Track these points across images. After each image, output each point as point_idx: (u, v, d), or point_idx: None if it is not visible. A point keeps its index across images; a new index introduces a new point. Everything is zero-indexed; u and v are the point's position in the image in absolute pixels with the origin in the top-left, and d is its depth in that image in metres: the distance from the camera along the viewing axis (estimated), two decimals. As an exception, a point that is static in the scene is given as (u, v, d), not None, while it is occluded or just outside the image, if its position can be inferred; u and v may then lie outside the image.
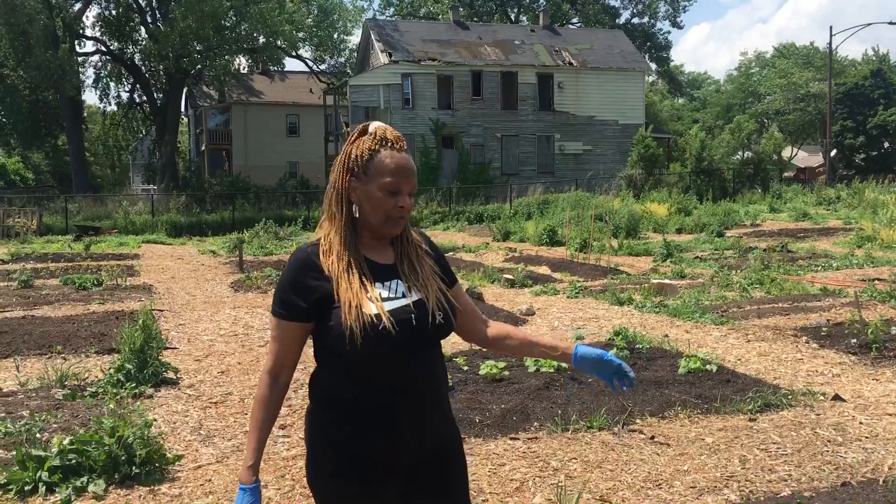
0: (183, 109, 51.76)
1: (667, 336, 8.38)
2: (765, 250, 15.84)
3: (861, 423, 5.43)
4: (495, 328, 2.42)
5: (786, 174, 49.85)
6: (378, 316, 2.08)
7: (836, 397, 5.98)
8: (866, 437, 5.13)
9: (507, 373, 6.53)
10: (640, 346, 7.57)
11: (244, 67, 51.45)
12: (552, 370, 6.57)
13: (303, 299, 2.14)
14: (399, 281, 2.20)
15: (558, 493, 3.75)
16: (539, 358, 2.49)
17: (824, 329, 8.33)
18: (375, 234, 2.23)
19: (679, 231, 23.43)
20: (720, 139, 39.68)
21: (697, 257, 16.41)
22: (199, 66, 42.37)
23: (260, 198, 33.19)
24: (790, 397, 5.96)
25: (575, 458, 4.89)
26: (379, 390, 2.12)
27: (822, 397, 6.00)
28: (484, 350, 4.96)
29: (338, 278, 2.12)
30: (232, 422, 5.76)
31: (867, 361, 7.06)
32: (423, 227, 27.84)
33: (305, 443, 2.28)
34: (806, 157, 66.99)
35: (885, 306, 9.73)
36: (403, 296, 2.16)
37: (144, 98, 47.97)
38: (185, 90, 48.12)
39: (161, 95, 45.76)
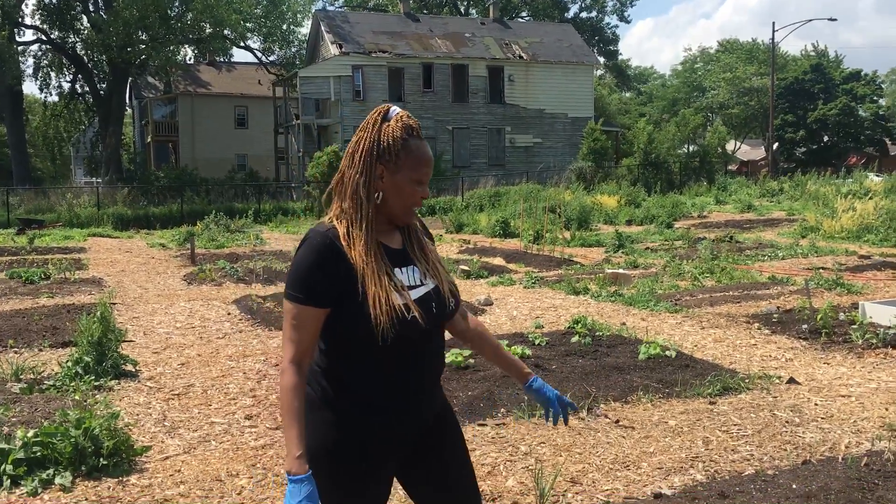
0: (127, 100, 50.61)
1: (624, 324, 8.52)
2: (713, 241, 16.18)
3: (816, 404, 5.61)
4: (474, 324, 2.47)
5: (730, 167, 50.93)
6: (407, 307, 2.09)
7: (791, 380, 6.16)
8: (822, 418, 5.31)
9: (472, 360, 6.57)
10: (601, 334, 7.69)
11: (190, 58, 50.58)
12: (516, 357, 6.63)
13: (327, 284, 2.09)
14: (415, 267, 2.20)
15: (536, 476, 3.81)
16: (498, 365, 2.53)
17: (775, 316, 8.57)
18: (391, 221, 2.22)
19: (629, 222, 23.78)
20: (666, 132, 40.36)
21: (648, 248, 16.70)
22: (143, 57, 41.47)
23: (209, 190, 32.71)
24: (747, 381, 6.13)
25: (543, 443, 4.95)
26: (394, 371, 2.15)
27: (777, 381, 6.18)
28: (449, 338, 5.01)
29: (364, 268, 2.09)
30: (196, 413, 5.70)
31: (818, 346, 7.28)
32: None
33: (306, 428, 2.23)
34: (749, 151, 68.51)
35: (831, 293, 10.05)
36: (422, 283, 2.18)
37: (87, 89, 46.81)
38: (129, 81, 47.07)
39: (104, 86, 44.71)
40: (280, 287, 12.03)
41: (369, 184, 2.14)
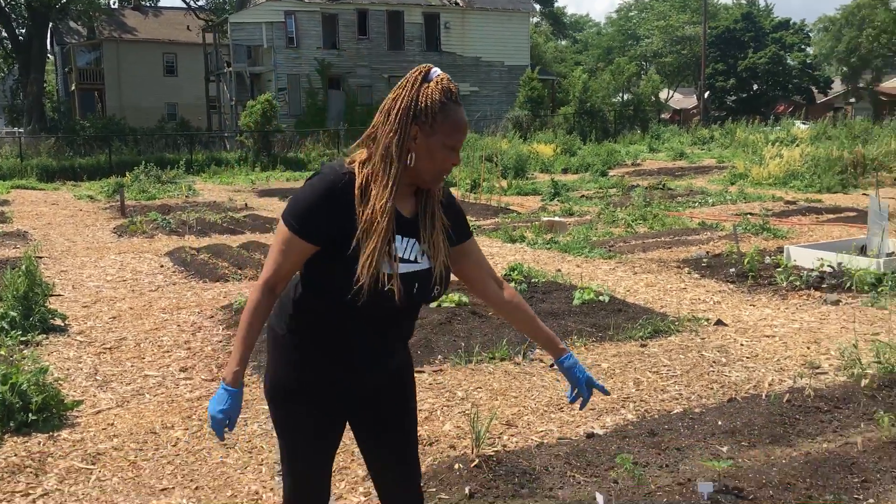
0: (49, 47, 48.41)
1: (559, 271, 8.64)
2: (646, 188, 16.44)
3: (742, 344, 5.81)
4: (509, 295, 2.39)
5: (663, 116, 51.61)
6: (390, 277, 2.07)
7: (719, 322, 6.36)
8: (747, 358, 5.50)
9: (409, 309, 6.60)
10: (536, 280, 7.79)
11: (114, 2, 48.52)
12: (453, 305, 6.68)
13: (325, 225, 2.07)
14: (416, 242, 2.16)
15: (472, 420, 3.87)
16: (532, 339, 2.48)
17: (704, 260, 8.80)
18: (415, 184, 2.17)
19: (565, 171, 23.98)
20: (601, 81, 40.58)
21: (584, 196, 16.88)
22: (64, 0, 39.62)
23: (138, 140, 31.67)
24: (677, 324, 6.30)
25: (480, 388, 5.03)
26: (363, 328, 2.17)
27: (705, 323, 6.37)
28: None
29: (367, 226, 2.06)
30: (129, 367, 5.61)
31: (745, 289, 7.52)
32: (312, 169, 27.40)
33: (268, 360, 2.28)
34: (681, 99, 69.45)
35: (758, 238, 10.35)
36: (416, 261, 2.15)
37: (5, 34, 44.56)
38: (50, 26, 44.95)
39: (24, 31, 42.63)
40: (214, 239, 11.83)
41: (402, 144, 2.08)
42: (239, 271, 8.97)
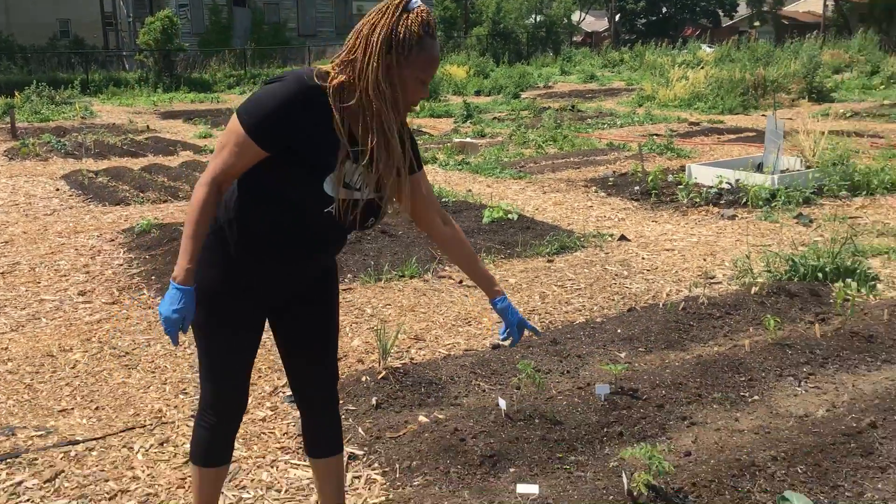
0: (-78, -44, 44.65)
1: (470, 191, 8.68)
2: (557, 110, 16.56)
3: (643, 258, 6.00)
4: (453, 232, 2.39)
5: (575, 38, 51.69)
6: (332, 200, 2.07)
7: (622, 238, 6.54)
8: (648, 270, 5.69)
9: (317, 229, 6.54)
10: (447, 200, 7.81)
11: None
12: (362, 224, 6.65)
13: (283, 133, 2.02)
14: (365, 170, 2.11)
15: (379, 334, 3.89)
16: (470, 277, 2.47)
17: (611, 179, 8.98)
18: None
19: (478, 93, 23.88)
20: (514, 2, 40.21)
21: (496, 118, 16.89)
22: None
23: (28, 59, 29.85)
24: (583, 240, 6.45)
25: (389, 305, 5.06)
26: (297, 238, 2.17)
27: (609, 238, 6.54)
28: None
29: (320, 144, 2.04)
30: (24, 291, 5.40)
31: (648, 206, 7.73)
32: (218, 90, 26.45)
33: (203, 256, 2.22)
34: (593, 22, 69.54)
35: (662, 158, 10.60)
36: (360, 188, 2.12)
37: None
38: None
39: None
40: (113, 162, 11.37)
41: (387, 72, 2.03)
42: (141, 194, 8.67)
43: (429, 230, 2.39)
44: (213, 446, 2.38)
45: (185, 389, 3.79)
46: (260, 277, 2.22)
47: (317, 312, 2.40)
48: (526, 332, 2.46)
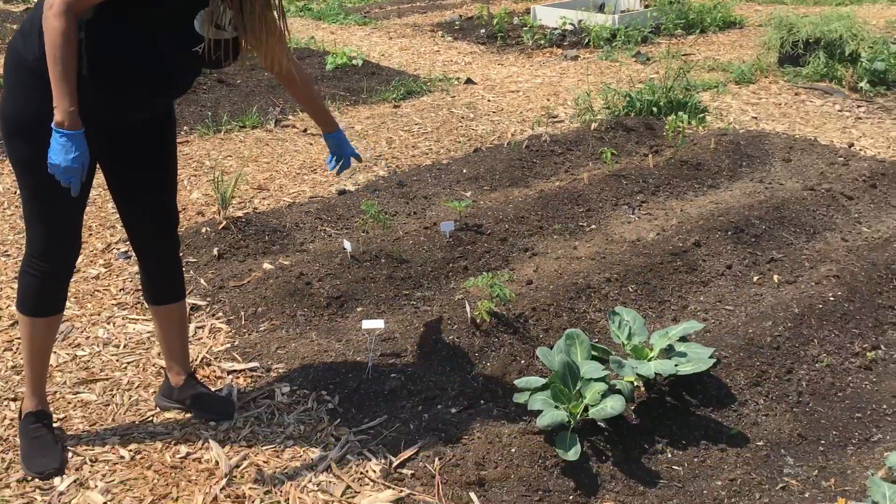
0: None
1: (313, 38, 8.30)
2: (403, -47, 15.90)
3: (489, 100, 5.99)
4: (301, 75, 2.42)
5: None
6: (200, 39, 1.99)
7: (469, 81, 6.48)
8: (493, 112, 5.70)
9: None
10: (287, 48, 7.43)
11: None
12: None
13: None
14: (228, 9, 1.99)
15: (216, 183, 3.73)
16: (311, 116, 2.57)
17: (457, 23, 8.81)
18: None
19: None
20: None
21: (339, -38, 16.06)
22: None
23: None
24: (429, 84, 6.35)
25: (230, 156, 4.85)
26: (145, 76, 2.05)
27: (456, 82, 6.47)
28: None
29: None
30: None
31: (494, 50, 7.66)
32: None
33: (8, 91, 2.07)
34: None
35: (508, 0, 10.46)
36: (224, 29, 2.01)
37: None
38: None
39: None
40: None
41: None
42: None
43: (273, 71, 2.32)
44: (44, 294, 2.23)
45: (6, 251, 3.52)
46: (98, 109, 2.04)
47: (154, 154, 2.29)
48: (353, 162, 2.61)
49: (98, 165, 2.22)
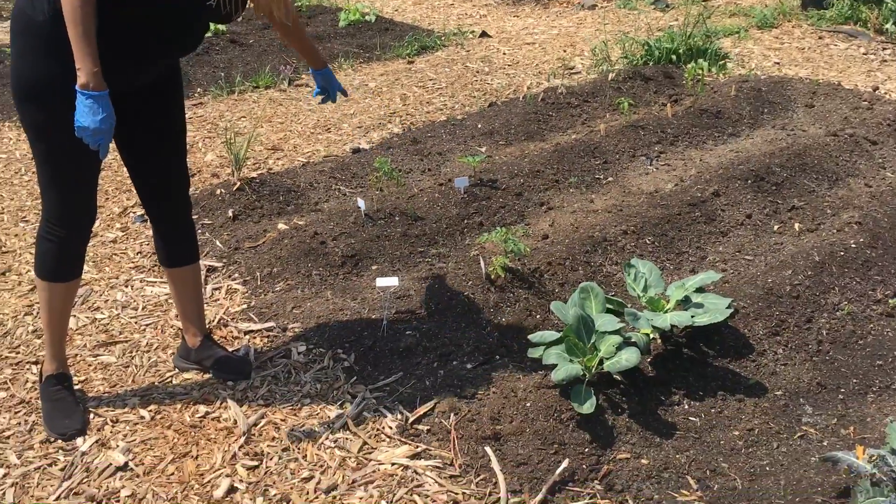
0: None
1: (326, -6, 8.20)
2: None
3: (504, 53, 5.90)
4: (295, 22, 2.39)
5: None
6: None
7: (483, 34, 6.38)
8: (509, 65, 5.62)
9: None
10: (300, 4, 7.36)
11: None
12: (210, 34, 6.21)
13: None
14: None
15: (228, 144, 3.72)
16: (300, 53, 2.59)
17: (473, -25, 8.65)
18: None
19: None
20: None
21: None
22: None
23: None
24: (444, 38, 6.26)
25: (244, 117, 4.83)
26: (167, 29, 2.06)
27: (471, 36, 6.38)
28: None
29: None
30: None
31: (509, 1, 7.52)
32: None
33: (19, 53, 2.05)
34: None
35: (525, -49, 10.25)
36: None
37: None
38: None
39: None
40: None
41: None
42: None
43: (273, 17, 2.30)
44: (63, 259, 2.24)
45: (25, 217, 3.55)
46: (110, 70, 2.00)
47: (162, 118, 2.28)
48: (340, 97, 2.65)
49: None
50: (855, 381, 2.40)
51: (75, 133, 1.93)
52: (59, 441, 2.24)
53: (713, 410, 2.31)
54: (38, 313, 2.81)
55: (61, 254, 2.22)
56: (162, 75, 2.24)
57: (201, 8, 2.00)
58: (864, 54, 5.38)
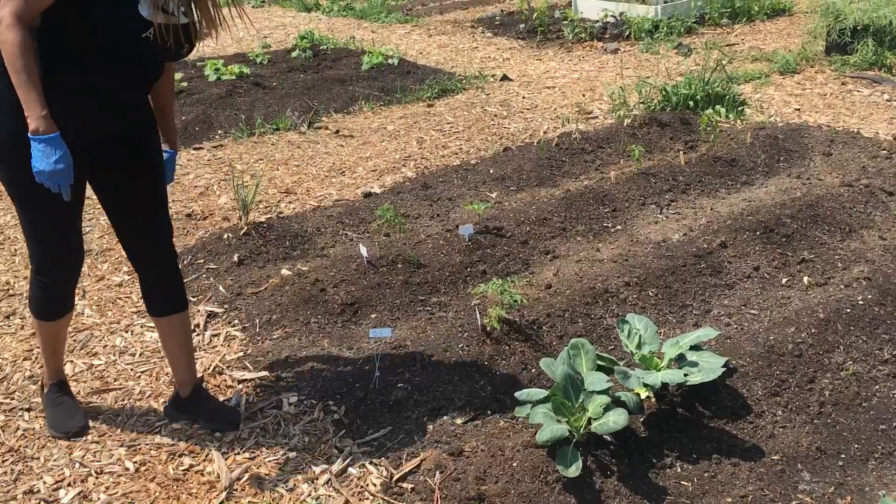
0: None
1: (353, 37, 8.32)
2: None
3: (524, 97, 5.91)
4: (168, 82, 2.37)
5: None
6: (149, 24, 1.99)
7: (504, 77, 6.41)
8: (527, 110, 5.63)
9: (185, 84, 6.18)
10: (325, 48, 7.47)
11: None
12: (234, 77, 6.32)
13: None
14: None
15: (237, 190, 3.75)
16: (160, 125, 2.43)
17: (498, 18, 8.73)
18: None
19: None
20: None
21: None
22: None
23: None
24: (464, 82, 6.30)
25: (261, 160, 4.88)
26: (103, 81, 2.07)
27: (492, 79, 6.41)
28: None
29: None
30: None
31: (533, 45, 7.57)
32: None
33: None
34: None
35: (552, -7, 10.33)
36: (175, 15, 2.01)
37: None
38: None
39: None
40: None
41: None
42: None
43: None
44: (50, 302, 2.36)
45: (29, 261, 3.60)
46: (68, 116, 2.04)
47: (138, 172, 2.29)
48: None
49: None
50: (857, 446, 2.32)
51: (35, 180, 1.97)
52: (42, 493, 2.25)
53: (706, 474, 2.24)
54: (37, 359, 2.84)
55: (47, 298, 2.35)
56: (133, 128, 2.24)
57: (144, 41, 2.02)
58: (887, 101, 5.29)
